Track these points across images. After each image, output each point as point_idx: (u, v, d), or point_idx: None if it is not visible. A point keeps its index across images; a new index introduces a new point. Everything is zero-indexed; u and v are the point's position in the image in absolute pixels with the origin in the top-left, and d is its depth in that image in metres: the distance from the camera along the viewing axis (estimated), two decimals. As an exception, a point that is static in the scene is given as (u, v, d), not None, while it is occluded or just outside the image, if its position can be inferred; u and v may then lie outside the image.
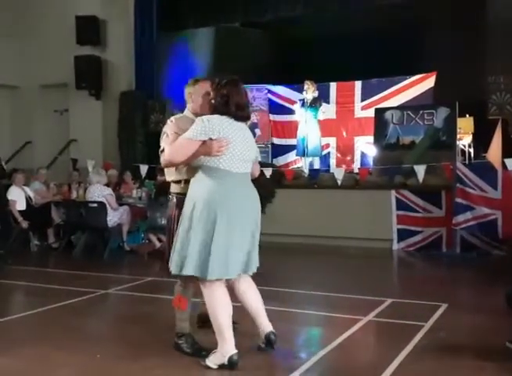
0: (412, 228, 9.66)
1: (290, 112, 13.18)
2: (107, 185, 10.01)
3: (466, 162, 10.07)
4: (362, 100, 12.98)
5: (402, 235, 9.73)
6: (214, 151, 4.09)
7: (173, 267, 4.20)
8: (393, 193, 9.79)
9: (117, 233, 9.57)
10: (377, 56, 12.34)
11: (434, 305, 5.82)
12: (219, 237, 4.06)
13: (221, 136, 4.11)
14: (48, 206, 10.19)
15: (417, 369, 4.17)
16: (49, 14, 13.42)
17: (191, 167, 4.30)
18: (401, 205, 9.72)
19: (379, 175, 10.41)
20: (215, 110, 4.25)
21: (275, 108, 13.83)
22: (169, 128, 4.56)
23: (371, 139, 11.73)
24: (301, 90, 12.25)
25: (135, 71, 13.17)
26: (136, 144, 12.85)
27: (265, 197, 10.72)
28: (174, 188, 4.59)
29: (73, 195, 10.40)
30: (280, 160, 13.35)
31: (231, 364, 4.12)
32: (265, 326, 4.52)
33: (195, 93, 4.63)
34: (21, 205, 9.95)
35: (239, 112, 4.25)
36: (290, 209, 10.18)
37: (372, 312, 5.60)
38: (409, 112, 10.85)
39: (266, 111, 14.11)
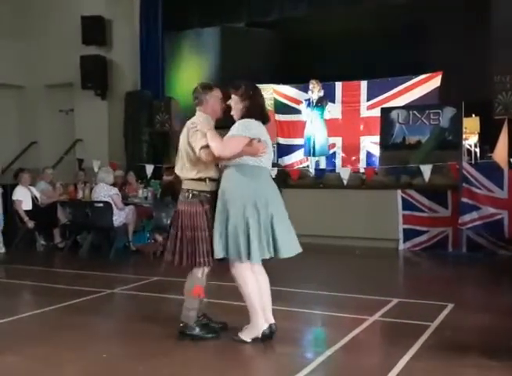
0: (418, 228, 9.63)
1: (296, 112, 13.17)
2: (113, 185, 10.03)
3: (473, 162, 10.04)
4: (368, 100, 12.95)
5: (408, 235, 9.71)
6: (259, 152, 4.55)
7: (219, 251, 4.57)
8: (399, 192, 9.77)
9: (123, 233, 9.58)
10: (383, 55, 12.31)
11: (440, 305, 5.81)
12: (258, 225, 4.50)
13: (262, 139, 4.59)
14: (54, 206, 10.21)
15: (423, 368, 4.16)
16: (55, 14, 13.44)
17: (212, 165, 4.68)
18: (407, 205, 9.69)
19: (385, 174, 10.39)
20: (249, 115, 4.69)
21: (281, 108, 13.80)
22: (202, 126, 4.75)
23: (377, 138, 11.71)
24: (306, 90, 12.23)
25: (140, 71, 13.17)
26: (142, 144, 12.85)
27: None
28: (195, 185, 4.74)
29: (79, 195, 10.42)
30: (286, 160, 13.32)
31: (264, 337, 4.63)
32: (268, 317, 4.74)
33: (211, 98, 5.01)
34: (27, 205, 9.98)
35: (265, 117, 4.79)
36: (295, 209, 10.00)
37: (378, 311, 5.59)
38: (414, 112, 10.82)
39: (271, 111, 14.09)
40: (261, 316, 4.66)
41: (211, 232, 4.63)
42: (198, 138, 4.67)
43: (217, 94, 5.02)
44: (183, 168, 4.81)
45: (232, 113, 4.88)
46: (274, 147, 13.99)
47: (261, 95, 4.91)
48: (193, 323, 4.82)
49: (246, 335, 4.69)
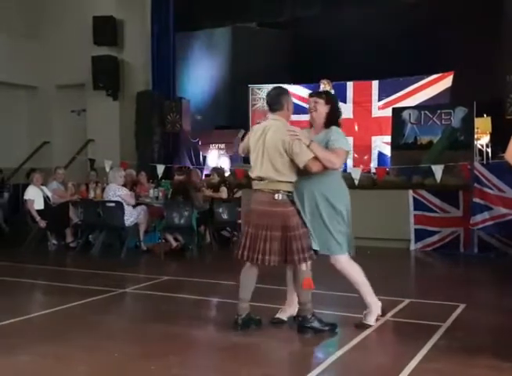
0: (430, 228, 9.61)
1: (306, 111, 13.14)
2: (124, 185, 10.05)
3: (484, 162, 10.01)
4: (379, 100, 12.95)
5: (420, 235, 9.69)
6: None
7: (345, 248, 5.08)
8: (410, 193, 9.74)
9: (134, 233, 9.61)
10: (394, 55, 12.30)
11: (451, 306, 5.79)
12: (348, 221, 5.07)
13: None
14: (66, 206, 10.26)
15: (435, 369, 4.14)
16: (66, 15, 13.51)
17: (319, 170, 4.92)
18: (418, 205, 9.67)
19: (396, 174, 10.37)
20: (331, 120, 5.10)
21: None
22: (303, 137, 4.91)
23: (388, 138, 11.69)
24: (317, 89, 12.22)
25: (151, 71, 13.22)
26: (153, 144, 12.89)
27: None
28: (285, 187, 4.97)
29: (91, 195, 10.45)
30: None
31: (383, 312, 5.24)
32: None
33: (290, 103, 5.16)
34: (39, 205, 10.03)
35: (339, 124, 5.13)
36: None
37: (389, 312, 5.58)
38: (426, 112, 10.80)
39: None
40: (374, 295, 5.17)
41: (305, 228, 4.96)
42: (303, 149, 4.84)
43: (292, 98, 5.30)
44: (271, 171, 4.91)
45: (313, 116, 5.19)
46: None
47: (338, 102, 5.30)
48: (311, 315, 5.01)
49: (370, 319, 5.13)
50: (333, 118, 5.11)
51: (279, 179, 4.91)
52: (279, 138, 4.88)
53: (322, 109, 5.10)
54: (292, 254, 4.87)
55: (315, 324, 4.99)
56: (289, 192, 4.96)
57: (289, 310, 5.35)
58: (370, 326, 5.07)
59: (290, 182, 4.95)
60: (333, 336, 4.96)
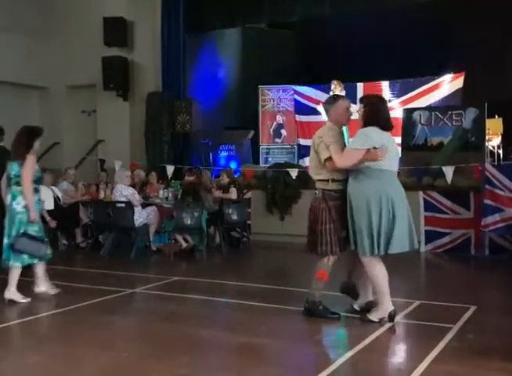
0: (440, 229, 9.56)
1: (316, 112, 13.15)
2: (133, 185, 10.07)
3: (495, 163, 9.95)
4: (390, 101, 12.89)
5: (430, 237, 9.64)
6: (379, 158, 5.08)
7: (351, 244, 5.35)
8: (421, 194, 9.70)
9: (144, 233, 9.62)
10: (405, 56, 12.25)
11: (462, 307, 5.76)
12: (379, 220, 5.19)
13: (381, 145, 5.11)
14: (77, 206, 10.29)
15: (445, 371, 4.12)
16: (77, 15, 13.55)
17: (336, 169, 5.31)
18: (429, 206, 9.62)
19: (407, 175, 10.30)
20: (369, 121, 5.32)
21: (302, 109, 13.80)
22: (327, 138, 5.39)
23: (399, 139, 11.63)
24: (327, 90, 12.21)
25: (161, 72, 13.22)
26: (163, 145, 12.90)
27: (291, 198, 10.74)
28: (321, 185, 5.47)
29: (101, 195, 10.48)
30: (307, 161, 13.29)
31: (390, 317, 5.21)
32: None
33: (333, 109, 5.60)
34: (49, 205, 10.04)
35: (386, 124, 5.34)
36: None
37: (400, 313, 5.55)
38: (437, 113, 10.73)
39: (292, 112, 14.10)
40: (389, 299, 5.26)
41: (336, 225, 5.34)
42: (323, 149, 5.35)
43: (339, 104, 5.59)
44: (313, 170, 5.60)
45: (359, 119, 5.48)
46: (294, 148, 14.04)
47: (383, 104, 5.57)
48: (317, 300, 5.43)
49: (375, 316, 5.27)
50: (367, 120, 5.35)
51: (316, 178, 5.50)
52: (314, 140, 5.52)
53: (361, 112, 5.42)
54: (317, 246, 5.35)
55: (320, 310, 5.41)
56: (325, 189, 5.40)
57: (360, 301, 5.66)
58: (373, 321, 5.21)
59: (326, 181, 5.40)
60: (334, 321, 5.35)
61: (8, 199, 6.22)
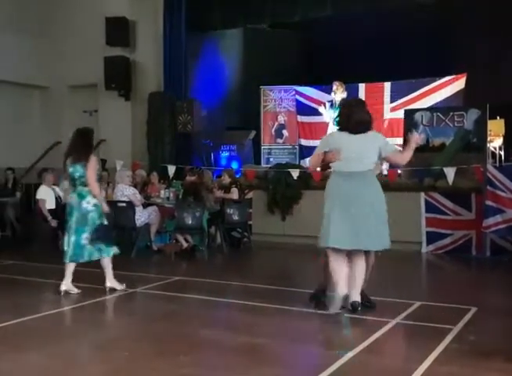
0: (442, 231, 9.55)
1: (318, 113, 13.15)
2: (134, 185, 10.07)
3: (497, 164, 9.94)
4: (392, 101, 12.90)
5: (431, 238, 9.64)
6: (332, 160, 5.50)
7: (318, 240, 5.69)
8: (422, 195, 9.70)
9: (145, 233, 9.62)
10: (407, 57, 12.25)
11: (463, 309, 5.75)
12: (334, 217, 5.48)
13: (335, 148, 5.47)
14: (78, 205, 10.27)
15: (446, 373, 4.12)
16: (79, 15, 13.56)
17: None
18: (430, 208, 9.62)
19: (408, 177, 10.31)
20: (338, 125, 5.71)
21: (303, 109, 13.80)
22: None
23: (400, 140, 11.63)
24: (329, 91, 12.20)
25: (163, 72, 13.23)
26: (164, 145, 12.90)
27: (292, 198, 10.74)
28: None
29: (102, 195, 10.45)
30: (308, 162, 13.31)
31: (314, 302, 5.81)
32: (352, 295, 5.51)
33: None
34: (51, 204, 10.07)
35: (355, 128, 5.50)
36: (317, 210, 10.10)
37: (400, 314, 5.55)
38: (438, 114, 10.72)
39: (294, 112, 14.10)
40: (339, 286, 5.47)
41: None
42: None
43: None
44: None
45: None
46: (295, 149, 14.05)
47: (357, 108, 5.64)
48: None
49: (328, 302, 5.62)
50: (338, 124, 5.73)
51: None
52: None
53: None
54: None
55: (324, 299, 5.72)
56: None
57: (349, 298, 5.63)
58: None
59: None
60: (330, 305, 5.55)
61: (74, 199, 6.54)
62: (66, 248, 6.54)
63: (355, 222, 5.42)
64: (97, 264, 7.49)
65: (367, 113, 5.63)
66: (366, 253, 5.68)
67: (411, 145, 5.63)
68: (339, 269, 5.50)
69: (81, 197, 6.51)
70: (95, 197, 6.55)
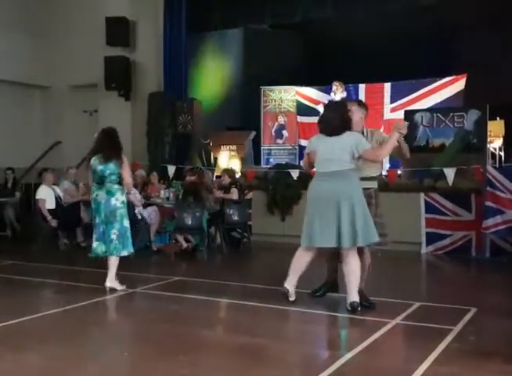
0: (442, 231, 9.55)
1: (318, 113, 13.13)
2: (135, 185, 10.05)
3: (497, 165, 9.93)
4: (391, 102, 12.90)
5: (431, 238, 9.63)
6: (313, 161, 5.94)
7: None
8: (422, 195, 9.70)
9: (145, 233, 9.62)
10: (407, 57, 12.25)
11: (462, 309, 5.75)
12: (307, 216, 5.81)
13: (313, 150, 5.89)
14: (78, 205, 10.29)
15: (446, 373, 4.11)
16: (79, 15, 13.56)
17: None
18: (430, 208, 9.62)
19: (408, 177, 10.31)
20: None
21: (303, 109, 13.80)
22: None
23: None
24: (329, 91, 12.18)
25: (163, 72, 13.22)
26: (164, 145, 12.88)
27: (292, 199, 10.74)
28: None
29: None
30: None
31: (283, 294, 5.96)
32: (349, 296, 5.64)
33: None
34: (51, 204, 10.07)
35: (326, 130, 5.81)
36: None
37: (400, 315, 5.55)
38: (438, 114, 10.72)
39: (294, 113, 14.10)
40: (288, 280, 5.90)
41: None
42: None
43: (350, 109, 5.93)
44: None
45: None
46: (295, 149, 14.04)
47: (333, 111, 5.90)
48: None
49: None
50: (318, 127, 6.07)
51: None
52: None
53: None
54: None
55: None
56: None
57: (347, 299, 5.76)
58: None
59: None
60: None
61: (102, 196, 6.73)
62: (94, 245, 6.78)
63: (334, 221, 5.58)
64: (96, 265, 7.50)
65: (340, 115, 5.78)
66: (360, 253, 5.75)
67: (392, 136, 5.70)
68: (296, 261, 5.92)
69: (111, 194, 6.71)
70: (126, 194, 6.95)
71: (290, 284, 5.91)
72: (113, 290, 6.64)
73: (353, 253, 5.66)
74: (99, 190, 6.74)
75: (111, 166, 6.71)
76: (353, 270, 5.65)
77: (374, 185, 5.96)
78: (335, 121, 5.77)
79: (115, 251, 6.71)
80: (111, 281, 6.73)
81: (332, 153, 5.69)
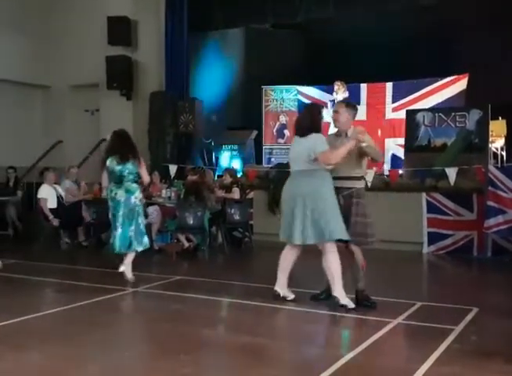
0: (443, 231, 9.54)
1: (320, 113, 13.11)
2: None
3: (499, 165, 9.92)
4: (393, 102, 12.90)
5: (433, 238, 9.62)
6: None
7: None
8: (424, 195, 9.68)
9: (146, 232, 9.60)
10: (409, 57, 12.24)
11: (464, 309, 5.75)
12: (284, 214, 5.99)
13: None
14: (79, 204, 10.29)
15: (447, 373, 4.11)
16: (81, 15, 13.56)
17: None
18: (432, 208, 9.61)
19: (410, 177, 10.31)
20: None
21: (305, 109, 13.78)
22: None
23: (402, 140, 11.63)
24: (331, 91, 12.17)
25: (165, 72, 13.23)
26: (166, 144, 12.88)
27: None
28: None
29: (104, 194, 10.46)
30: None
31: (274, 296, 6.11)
32: (333, 291, 5.85)
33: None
34: (52, 203, 10.07)
35: (297, 131, 6.01)
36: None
37: (401, 315, 5.55)
38: (440, 114, 10.72)
39: (295, 112, 14.08)
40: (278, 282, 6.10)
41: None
42: None
43: (337, 110, 6.10)
44: None
45: None
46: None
47: (302, 112, 6.31)
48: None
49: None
50: None
51: None
52: None
53: None
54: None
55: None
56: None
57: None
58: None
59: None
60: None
61: (121, 194, 7.06)
62: (112, 241, 7.10)
63: (297, 218, 5.75)
64: (97, 264, 7.52)
65: (310, 117, 5.95)
66: (350, 251, 5.90)
67: (346, 143, 5.71)
68: (282, 260, 6.17)
69: (130, 192, 7.07)
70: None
71: (279, 286, 6.07)
72: (123, 276, 7.02)
73: (328, 250, 5.75)
74: (118, 189, 7.05)
75: (129, 166, 7.05)
76: (327, 267, 5.78)
77: (356, 184, 5.93)
78: (304, 123, 5.98)
79: (133, 246, 7.08)
80: (127, 266, 7.09)
81: (297, 153, 5.90)
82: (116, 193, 7.06)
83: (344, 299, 5.72)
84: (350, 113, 6.05)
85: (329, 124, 12.04)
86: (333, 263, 5.74)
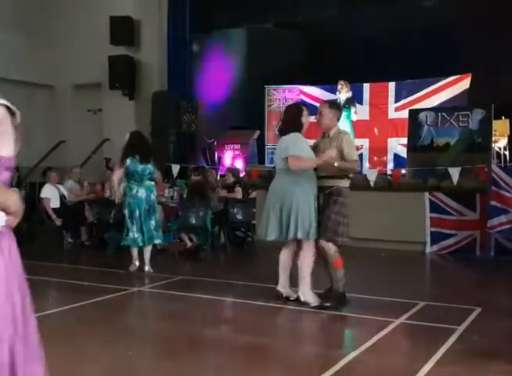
0: (446, 231, 9.52)
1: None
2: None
3: (502, 165, 9.90)
4: (396, 101, 12.88)
5: (436, 238, 9.60)
6: None
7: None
8: (426, 195, 9.67)
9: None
10: (411, 57, 12.22)
11: (467, 309, 5.74)
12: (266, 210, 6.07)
13: None
14: (82, 204, 10.30)
15: (449, 373, 4.11)
16: (84, 14, 13.55)
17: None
18: (434, 208, 9.59)
19: (412, 176, 10.30)
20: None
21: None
22: None
23: (405, 140, 11.62)
24: (334, 90, 12.16)
25: (167, 71, 13.22)
26: (168, 144, 12.88)
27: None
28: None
29: (107, 194, 10.48)
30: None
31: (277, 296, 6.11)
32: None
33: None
34: (55, 203, 10.08)
35: (281, 130, 6.25)
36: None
37: (404, 314, 5.54)
38: (443, 114, 10.70)
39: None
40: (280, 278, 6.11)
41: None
42: None
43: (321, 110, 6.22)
44: None
45: None
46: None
47: (285, 112, 6.37)
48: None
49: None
50: None
51: None
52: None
53: None
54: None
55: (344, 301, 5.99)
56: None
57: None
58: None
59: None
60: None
61: (143, 192, 7.69)
62: (135, 236, 7.63)
63: (269, 214, 5.91)
64: (100, 264, 7.52)
65: (291, 116, 6.09)
66: (320, 247, 5.91)
67: (318, 159, 5.80)
68: (281, 260, 6.20)
69: (150, 190, 7.77)
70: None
71: (281, 286, 6.11)
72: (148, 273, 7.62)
73: (304, 247, 5.85)
74: (140, 187, 7.68)
75: (150, 166, 7.74)
76: (299, 264, 5.90)
77: (339, 183, 5.95)
78: (284, 122, 6.20)
79: (153, 239, 7.77)
80: (148, 265, 7.73)
81: (278, 151, 6.17)
82: (137, 191, 7.64)
83: (308, 297, 5.79)
84: (334, 113, 6.10)
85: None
86: (304, 260, 5.83)
